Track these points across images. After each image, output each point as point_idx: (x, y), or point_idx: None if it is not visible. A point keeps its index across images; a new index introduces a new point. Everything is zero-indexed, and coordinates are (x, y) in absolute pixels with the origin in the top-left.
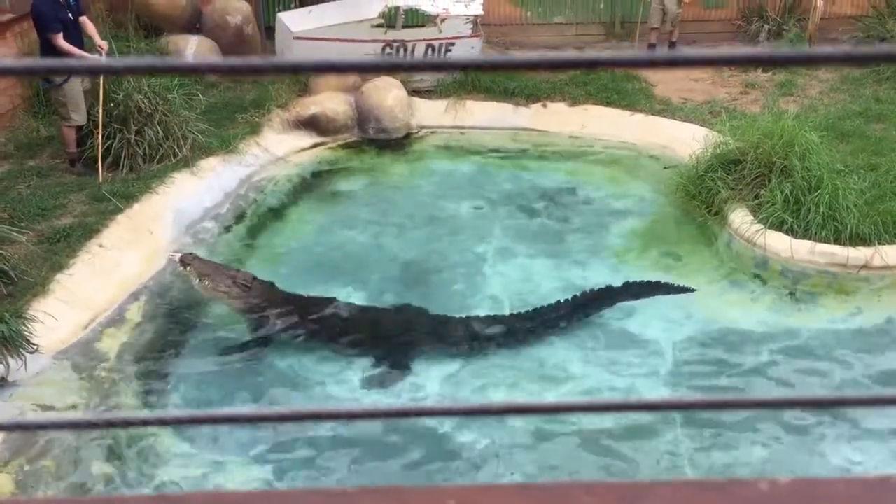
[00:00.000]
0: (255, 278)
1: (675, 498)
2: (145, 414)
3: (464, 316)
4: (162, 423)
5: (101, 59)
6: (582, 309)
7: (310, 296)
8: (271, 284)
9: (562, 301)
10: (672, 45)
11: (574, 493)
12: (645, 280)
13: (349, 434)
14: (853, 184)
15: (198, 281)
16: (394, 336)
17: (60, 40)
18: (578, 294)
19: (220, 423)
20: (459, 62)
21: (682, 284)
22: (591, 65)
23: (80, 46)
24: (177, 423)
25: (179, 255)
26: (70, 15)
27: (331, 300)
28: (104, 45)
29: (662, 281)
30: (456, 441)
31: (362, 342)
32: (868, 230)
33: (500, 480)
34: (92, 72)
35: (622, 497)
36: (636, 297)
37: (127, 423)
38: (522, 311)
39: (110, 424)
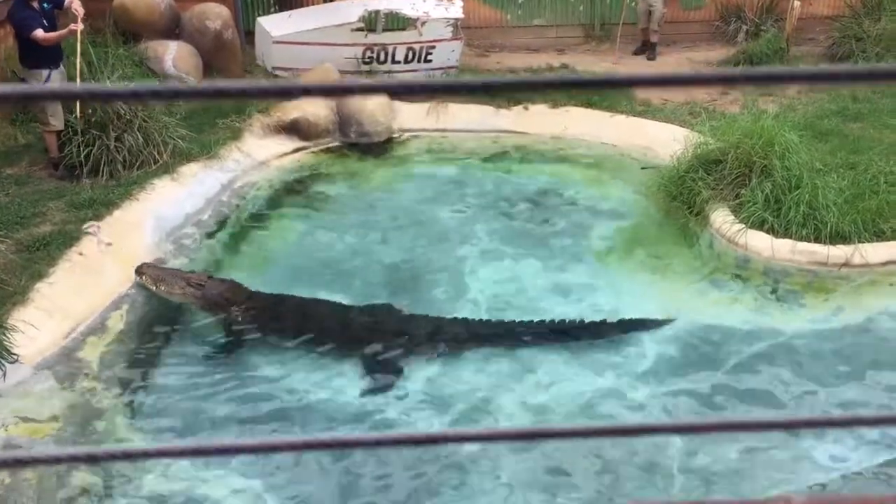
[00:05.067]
0: (210, 277)
1: None
2: (136, 447)
3: (435, 315)
4: (160, 454)
5: (79, 26)
6: (564, 335)
7: (273, 293)
8: (232, 282)
9: (546, 321)
10: (653, 46)
11: None
12: (628, 318)
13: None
14: (832, 182)
15: (154, 288)
16: (364, 333)
17: (40, 33)
18: (566, 320)
19: (211, 454)
20: (450, 84)
21: (661, 318)
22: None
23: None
24: (168, 456)
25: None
26: (45, 22)
27: (297, 297)
28: (80, 10)
29: (645, 318)
30: (444, 459)
31: (333, 339)
32: (848, 228)
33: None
34: (70, 97)
35: None
36: (623, 332)
37: (127, 456)
38: (507, 318)
39: (91, 458)
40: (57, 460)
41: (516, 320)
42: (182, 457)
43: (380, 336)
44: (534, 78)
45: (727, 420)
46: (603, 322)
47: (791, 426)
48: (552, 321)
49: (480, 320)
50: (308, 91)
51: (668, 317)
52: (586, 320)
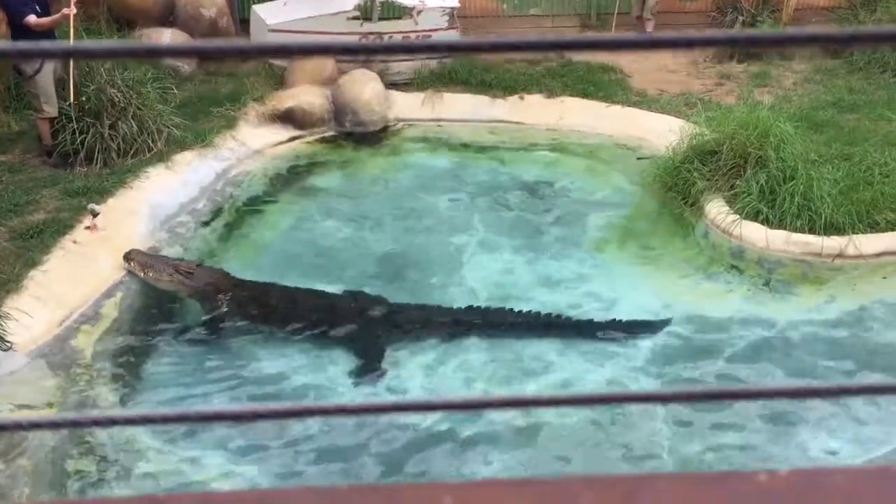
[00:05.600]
0: (199, 265)
1: (675, 491)
2: (129, 412)
3: (417, 303)
4: (147, 421)
5: (72, 10)
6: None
7: (260, 281)
8: (220, 271)
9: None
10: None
11: (573, 488)
12: (623, 319)
13: (328, 427)
14: (827, 174)
15: (143, 274)
16: (348, 321)
17: (32, 19)
18: (556, 314)
19: (203, 420)
20: (440, 44)
21: (659, 319)
22: (570, 46)
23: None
24: (163, 422)
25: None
26: (38, 7)
27: (283, 286)
28: None
29: (640, 320)
30: (438, 434)
31: (319, 327)
32: (842, 219)
33: (490, 474)
34: (65, 55)
35: (622, 491)
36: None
37: (112, 422)
38: (497, 307)
39: (95, 423)
40: (54, 425)
41: (506, 308)
42: (169, 423)
43: (366, 324)
44: (500, 39)
45: (712, 389)
46: (592, 321)
47: (774, 395)
48: (540, 313)
49: (465, 308)
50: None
51: (663, 317)
52: (576, 316)
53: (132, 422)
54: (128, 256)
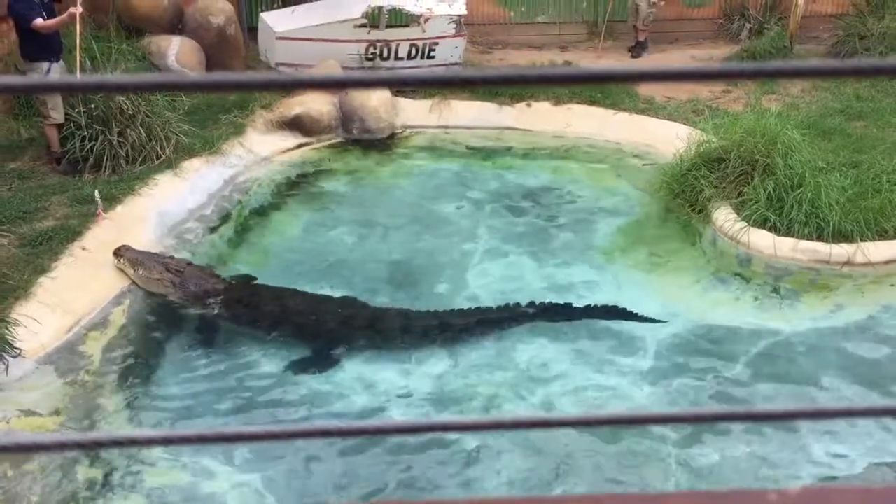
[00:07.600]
0: (189, 264)
1: None
2: (140, 433)
3: (403, 308)
4: (168, 442)
5: (78, 9)
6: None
7: (252, 283)
8: (210, 271)
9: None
10: (640, 44)
11: None
12: (612, 305)
13: (335, 441)
14: (835, 181)
15: (132, 271)
16: (333, 325)
17: (39, 22)
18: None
19: (207, 442)
20: (453, 77)
21: (649, 316)
22: (586, 80)
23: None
24: (172, 443)
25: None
26: (44, 12)
27: (273, 287)
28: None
29: (630, 310)
30: (447, 449)
31: (308, 329)
32: (850, 227)
33: (496, 491)
34: (97, 88)
35: None
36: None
37: (133, 443)
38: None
39: (117, 444)
40: (62, 446)
41: (493, 307)
42: (186, 444)
43: (352, 327)
44: (517, 72)
45: (725, 411)
46: (568, 306)
47: (787, 417)
48: (531, 304)
49: (453, 310)
50: (301, 84)
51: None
52: (557, 303)
53: (153, 442)
54: (117, 253)
